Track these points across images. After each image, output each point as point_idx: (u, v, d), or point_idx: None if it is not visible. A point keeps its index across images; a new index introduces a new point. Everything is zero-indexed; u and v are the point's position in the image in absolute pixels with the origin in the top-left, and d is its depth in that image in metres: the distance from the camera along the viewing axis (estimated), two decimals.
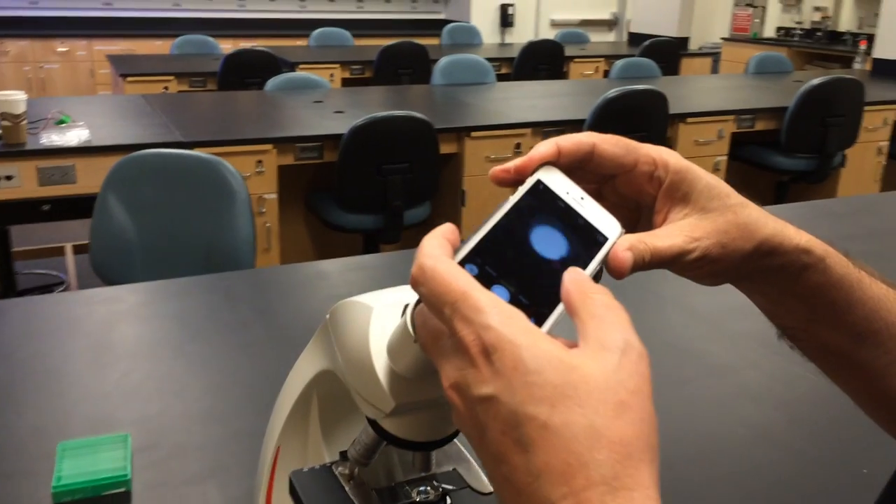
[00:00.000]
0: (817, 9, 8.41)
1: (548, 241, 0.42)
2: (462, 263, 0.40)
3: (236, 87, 4.69)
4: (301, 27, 7.63)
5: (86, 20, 7.40)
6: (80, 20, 7.38)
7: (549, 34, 8.33)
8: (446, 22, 8.01)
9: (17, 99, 2.72)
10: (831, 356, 0.53)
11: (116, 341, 1.32)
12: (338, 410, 0.67)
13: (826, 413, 1.16)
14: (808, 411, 1.18)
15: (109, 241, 2.15)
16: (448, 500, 0.60)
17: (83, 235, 2.22)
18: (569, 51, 6.71)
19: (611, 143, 0.48)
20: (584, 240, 0.43)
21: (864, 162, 4.58)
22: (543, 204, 0.44)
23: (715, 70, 8.20)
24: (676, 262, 0.46)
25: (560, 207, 0.44)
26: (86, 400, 1.14)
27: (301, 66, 5.51)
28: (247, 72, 4.85)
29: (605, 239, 0.43)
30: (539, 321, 0.39)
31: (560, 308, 0.40)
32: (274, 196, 3.16)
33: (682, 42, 7.78)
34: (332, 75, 5.66)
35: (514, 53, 6.40)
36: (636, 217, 0.51)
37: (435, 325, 0.40)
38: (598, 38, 8.90)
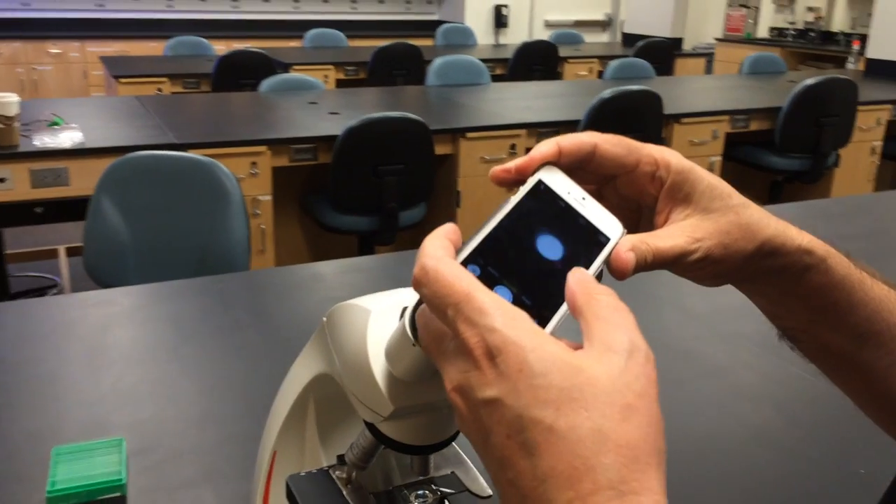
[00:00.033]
0: (810, 9, 8.44)
1: (549, 242, 0.42)
2: (464, 264, 0.40)
3: (230, 89, 4.68)
4: (295, 28, 7.62)
5: (78, 21, 7.38)
6: (73, 21, 7.36)
7: (544, 35, 8.34)
8: (440, 23, 8.01)
9: (9, 101, 2.71)
10: (832, 357, 0.53)
11: (111, 345, 1.32)
12: (335, 414, 0.67)
13: (822, 413, 1.16)
14: (804, 411, 1.17)
15: (103, 243, 2.14)
16: None
17: (76, 238, 2.21)
18: (563, 51, 6.73)
19: (612, 143, 0.47)
20: (586, 240, 0.43)
21: (858, 162, 4.60)
22: (545, 204, 0.44)
23: (709, 70, 8.22)
24: (678, 263, 0.46)
25: (561, 208, 0.44)
26: (80, 404, 1.13)
27: (295, 67, 5.50)
28: (241, 73, 4.84)
29: (607, 239, 0.43)
30: (542, 322, 0.39)
31: (563, 309, 0.39)
32: (268, 198, 3.15)
33: (676, 42, 7.79)
34: (326, 76, 5.65)
35: (509, 54, 6.41)
36: (637, 217, 0.51)
37: (437, 326, 0.39)
38: (592, 38, 8.91)
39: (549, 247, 0.42)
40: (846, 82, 4.28)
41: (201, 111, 3.83)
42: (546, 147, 0.45)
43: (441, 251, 0.39)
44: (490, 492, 0.60)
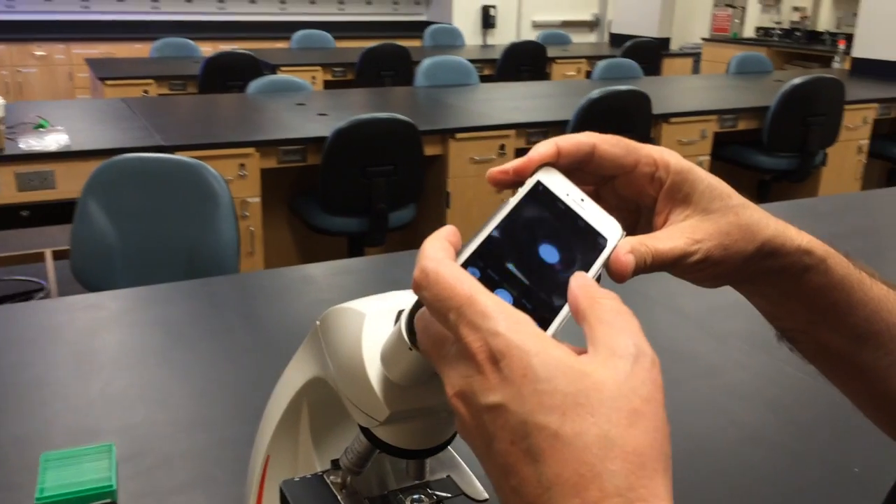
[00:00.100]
0: (796, 9, 8.49)
1: (549, 244, 0.42)
2: (464, 266, 0.39)
3: (217, 90, 4.66)
4: (282, 29, 7.60)
5: (63, 23, 7.33)
6: (58, 23, 7.31)
7: (531, 35, 8.36)
8: (428, 24, 8.01)
9: None
10: (832, 358, 0.53)
11: (99, 349, 1.30)
12: (329, 418, 0.66)
13: (815, 411, 1.16)
14: (797, 410, 1.18)
15: (90, 246, 2.12)
16: None
17: (63, 241, 2.19)
18: (551, 52, 6.73)
19: (611, 144, 0.47)
20: (585, 242, 0.42)
21: (845, 160, 4.62)
22: (544, 206, 0.43)
23: (696, 70, 8.26)
24: (678, 265, 0.45)
25: (560, 209, 0.43)
26: (69, 409, 1.12)
27: (282, 68, 5.49)
28: (228, 75, 4.82)
29: (606, 241, 0.42)
30: (543, 325, 0.38)
31: (564, 312, 0.39)
32: (257, 200, 3.14)
33: (664, 42, 7.82)
34: (313, 78, 5.64)
35: (497, 55, 6.42)
36: (636, 219, 0.50)
37: (438, 330, 0.38)
38: (579, 38, 8.93)
39: (549, 249, 0.41)
40: (833, 81, 4.30)
41: (188, 113, 3.81)
42: (544, 148, 0.45)
43: (441, 253, 0.38)
44: (486, 495, 0.59)
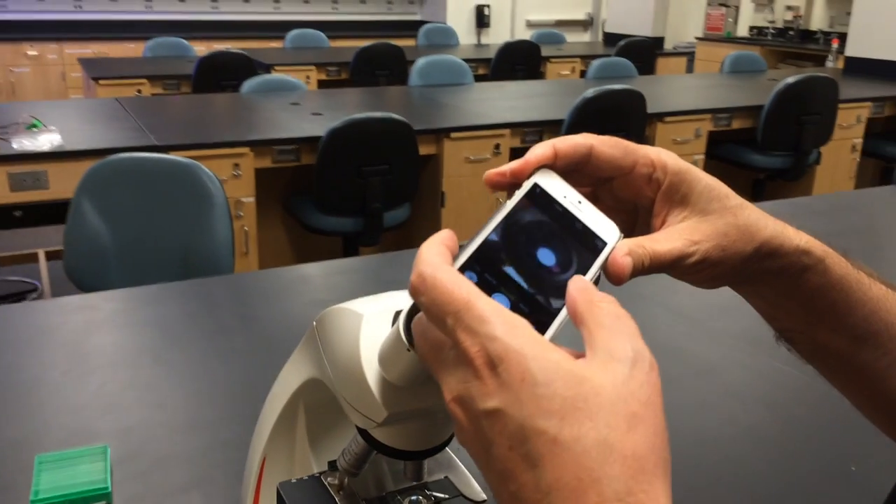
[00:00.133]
0: (789, 8, 8.50)
1: (546, 247, 0.41)
2: (461, 271, 0.39)
3: (211, 90, 4.64)
4: (276, 29, 7.58)
5: (56, 23, 7.30)
6: (51, 23, 7.28)
7: (525, 35, 8.35)
8: (422, 23, 8.01)
9: None
10: (830, 358, 0.52)
11: (93, 350, 1.30)
12: (325, 419, 0.66)
13: (813, 410, 1.16)
14: (794, 408, 1.18)
15: (84, 246, 2.11)
16: None
17: (56, 241, 2.18)
18: (545, 51, 6.73)
19: (609, 145, 0.46)
20: (583, 245, 0.42)
21: (839, 159, 4.64)
22: (541, 209, 0.43)
23: (690, 69, 8.27)
24: (676, 266, 0.45)
25: (558, 212, 0.43)
26: (63, 411, 1.11)
27: (276, 67, 5.48)
28: (222, 74, 4.81)
29: (604, 244, 0.42)
30: (540, 329, 0.38)
31: (562, 316, 0.39)
32: (252, 199, 3.13)
33: (658, 42, 7.83)
34: (308, 77, 5.63)
35: (491, 54, 6.41)
36: (633, 220, 0.50)
37: (436, 335, 0.38)
38: (573, 38, 8.94)
39: (546, 252, 0.41)
40: (827, 80, 4.31)
41: (182, 113, 3.80)
42: (542, 150, 0.44)
43: (438, 258, 0.38)
44: (484, 496, 0.59)
